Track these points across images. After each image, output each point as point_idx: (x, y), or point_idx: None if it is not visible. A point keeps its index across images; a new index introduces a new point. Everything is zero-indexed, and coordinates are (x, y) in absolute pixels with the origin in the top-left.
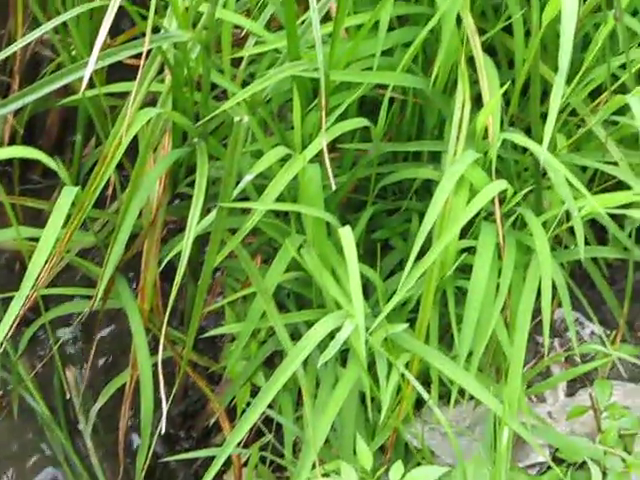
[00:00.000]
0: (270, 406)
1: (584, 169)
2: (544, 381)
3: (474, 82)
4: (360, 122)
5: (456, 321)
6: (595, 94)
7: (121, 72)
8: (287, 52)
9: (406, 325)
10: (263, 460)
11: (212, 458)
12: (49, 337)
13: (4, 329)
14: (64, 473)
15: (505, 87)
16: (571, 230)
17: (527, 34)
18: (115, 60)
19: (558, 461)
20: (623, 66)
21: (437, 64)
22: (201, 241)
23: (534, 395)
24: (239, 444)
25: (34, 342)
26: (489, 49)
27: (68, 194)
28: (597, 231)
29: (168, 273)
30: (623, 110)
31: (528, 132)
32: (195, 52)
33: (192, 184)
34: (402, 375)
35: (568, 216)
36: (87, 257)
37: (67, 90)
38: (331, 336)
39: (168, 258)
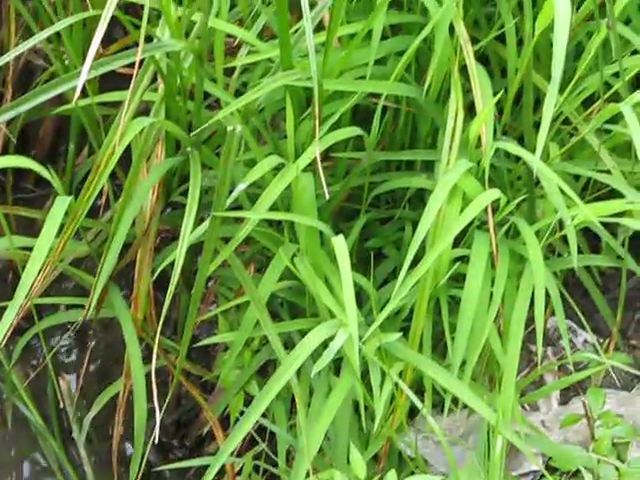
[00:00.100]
0: (264, 415)
1: (577, 177)
2: (537, 390)
3: (467, 91)
4: (353, 131)
5: (449, 330)
6: (588, 102)
7: (114, 81)
8: (280, 61)
9: (399, 334)
10: (257, 469)
11: (205, 467)
12: (42, 346)
13: None
14: None
15: (498, 96)
16: (564, 239)
17: (520, 43)
18: (108, 69)
19: (551, 470)
20: (616, 74)
21: (430, 73)
22: (194, 250)
23: (527, 404)
24: (232, 453)
25: (28, 351)
26: (482, 58)
27: (61, 203)
28: (590, 239)
29: (161, 282)
30: (616, 118)
31: (521, 141)
32: (188, 61)
33: (185, 193)
34: (396, 384)
35: (561, 225)
36: (80, 266)
37: (60, 99)
38: (324, 345)
39: (161, 267)
